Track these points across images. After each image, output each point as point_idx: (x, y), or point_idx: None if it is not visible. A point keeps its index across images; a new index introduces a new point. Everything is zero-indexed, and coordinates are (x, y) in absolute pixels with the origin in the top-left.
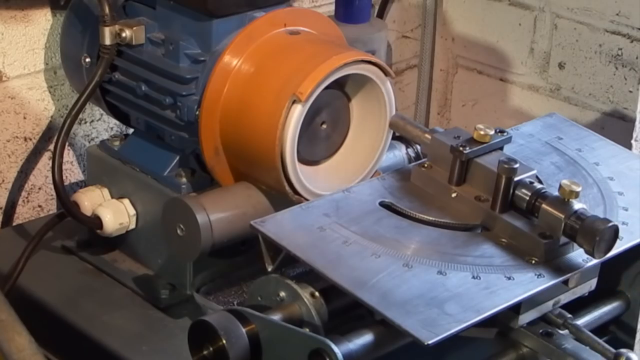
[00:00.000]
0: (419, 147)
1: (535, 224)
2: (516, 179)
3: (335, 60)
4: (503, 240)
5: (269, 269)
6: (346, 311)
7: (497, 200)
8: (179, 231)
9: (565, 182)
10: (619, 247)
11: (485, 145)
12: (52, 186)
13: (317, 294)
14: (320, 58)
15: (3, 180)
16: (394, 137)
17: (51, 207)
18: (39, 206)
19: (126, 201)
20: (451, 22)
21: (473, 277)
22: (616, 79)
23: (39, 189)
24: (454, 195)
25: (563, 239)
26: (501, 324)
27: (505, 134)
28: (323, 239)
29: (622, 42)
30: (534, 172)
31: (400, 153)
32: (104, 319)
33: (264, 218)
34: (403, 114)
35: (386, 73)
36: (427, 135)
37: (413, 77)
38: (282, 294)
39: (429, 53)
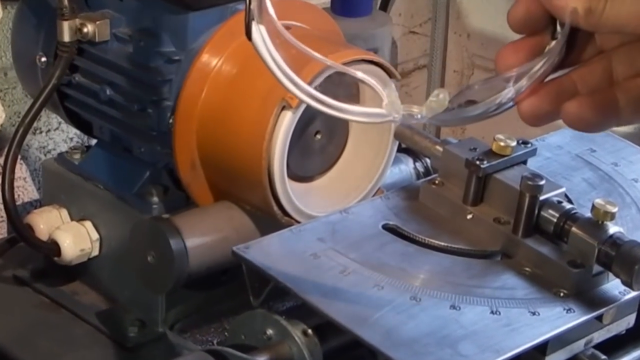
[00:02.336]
0: (428, 160)
1: (564, 251)
2: (542, 197)
3: (331, 60)
4: (526, 269)
5: (255, 303)
6: (344, 352)
7: (520, 222)
8: (149, 258)
9: (598, 201)
10: None
11: (505, 158)
12: (1, 206)
13: (310, 331)
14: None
15: None
16: (400, 150)
17: (0, 231)
18: None
19: (88, 224)
20: (466, 15)
21: (492, 312)
22: None
23: None
24: (469, 216)
25: (596, 268)
26: None
27: (529, 145)
28: (317, 268)
29: None
30: (563, 189)
31: (406, 168)
32: None
33: (249, 243)
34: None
35: (390, 75)
36: (438, 147)
37: (422, 79)
38: (270, 331)
39: (441, 51)
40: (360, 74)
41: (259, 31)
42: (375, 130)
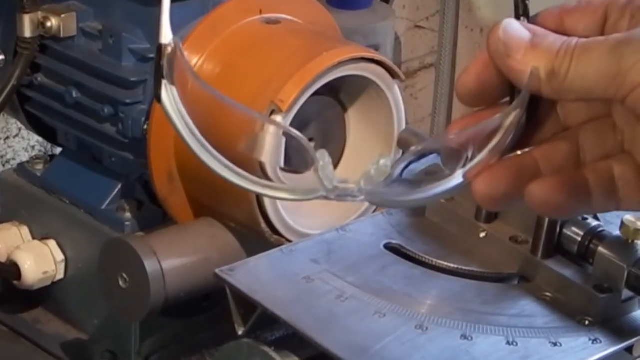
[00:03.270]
0: None
1: (589, 274)
2: None
3: (327, 58)
4: (547, 294)
5: (240, 332)
6: None
7: (539, 241)
8: (121, 282)
9: (628, 217)
10: None
11: None
12: None
13: None
14: (306, 55)
15: None
16: None
17: None
18: None
19: (52, 243)
20: (479, 7)
21: (508, 343)
22: None
23: None
24: (482, 235)
25: (626, 293)
26: None
27: None
28: (311, 293)
29: None
30: None
31: None
32: None
33: (233, 265)
34: (416, 128)
35: (394, 75)
36: None
37: (429, 79)
38: None
39: (450, 48)
40: (294, 131)
41: (169, 93)
42: (377, 137)
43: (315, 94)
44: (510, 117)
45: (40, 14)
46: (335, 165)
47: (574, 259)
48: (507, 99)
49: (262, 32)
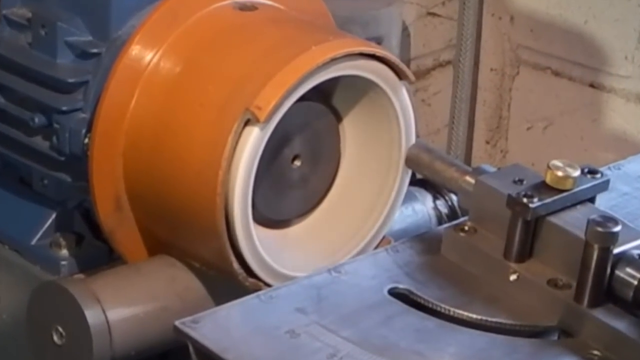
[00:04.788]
0: (454, 197)
1: None
2: (616, 250)
3: (316, 54)
4: (595, 352)
5: None
6: None
7: (585, 286)
8: (55, 337)
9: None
10: None
11: (565, 194)
12: None
13: None
14: (290, 49)
15: None
16: (414, 182)
17: None
18: None
19: None
20: None
21: None
22: None
23: None
24: (513, 277)
25: None
26: None
27: (598, 175)
28: (296, 351)
29: None
30: None
31: (423, 208)
32: None
33: (198, 316)
34: (428, 142)
35: (401, 75)
36: (469, 178)
37: (446, 81)
38: None
39: (472, 42)
40: None
41: None
42: (379, 153)
43: (302, 99)
44: None
45: None
46: (327, 189)
47: (628, 308)
48: None
49: (235, 20)
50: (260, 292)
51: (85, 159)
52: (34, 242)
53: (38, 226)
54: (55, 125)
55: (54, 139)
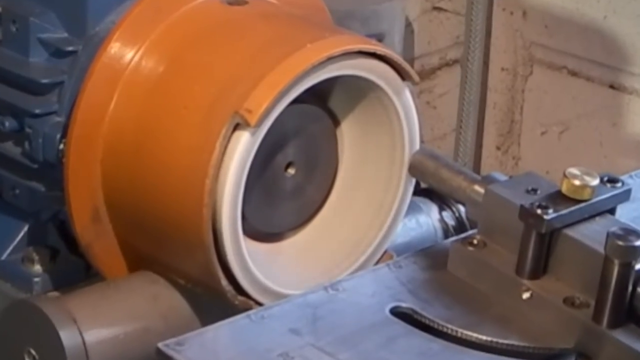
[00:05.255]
0: (462, 208)
1: None
2: (638, 266)
3: (311, 52)
4: None
5: None
6: None
7: (605, 304)
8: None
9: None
10: None
11: (582, 205)
12: None
13: None
14: (283, 47)
15: None
16: (418, 191)
17: None
18: None
19: None
20: None
21: None
22: None
23: None
24: (526, 295)
25: None
26: None
27: (619, 184)
28: None
29: None
30: None
31: (428, 220)
32: None
33: (183, 337)
34: (434, 148)
35: (404, 75)
36: (478, 187)
37: (452, 82)
38: None
39: (482, 38)
40: None
41: None
42: (380, 159)
43: (296, 101)
44: None
45: None
46: (323, 200)
47: None
48: None
49: (223, 15)
50: (250, 312)
51: (60, 166)
52: (4, 257)
53: (9, 240)
54: (28, 130)
55: (26, 144)
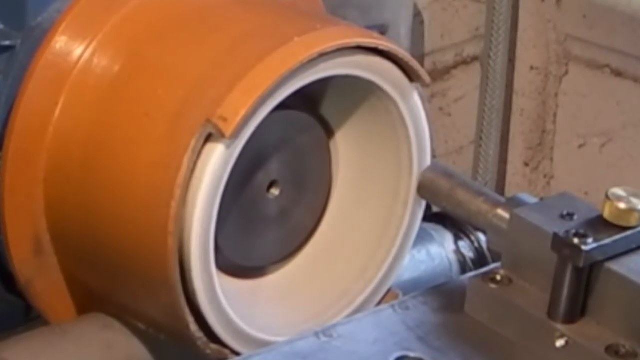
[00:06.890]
0: (482, 237)
1: None
2: None
3: (300, 48)
4: None
5: None
6: None
7: None
8: None
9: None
10: None
11: (629, 233)
12: None
13: None
14: (265, 42)
15: None
16: (429, 216)
17: None
18: None
19: None
20: None
21: None
22: None
23: None
24: (560, 343)
25: None
26: None
27: None
28: None
29: None
30: None
31: (441, 251)
32: None
33: None
34: (448, 165)
35: (412, 76)
36: (502, 212)
37: (471, 83)
38: None
39: (506, 31)
40: None
41: None
42: (383, 177)
43: (282, 107)
44: None
45: None
46: (314, 227)
47: None
48: None
49: (192, 3)
50: None
51: None
52: None
53: None
54: None
55: None
